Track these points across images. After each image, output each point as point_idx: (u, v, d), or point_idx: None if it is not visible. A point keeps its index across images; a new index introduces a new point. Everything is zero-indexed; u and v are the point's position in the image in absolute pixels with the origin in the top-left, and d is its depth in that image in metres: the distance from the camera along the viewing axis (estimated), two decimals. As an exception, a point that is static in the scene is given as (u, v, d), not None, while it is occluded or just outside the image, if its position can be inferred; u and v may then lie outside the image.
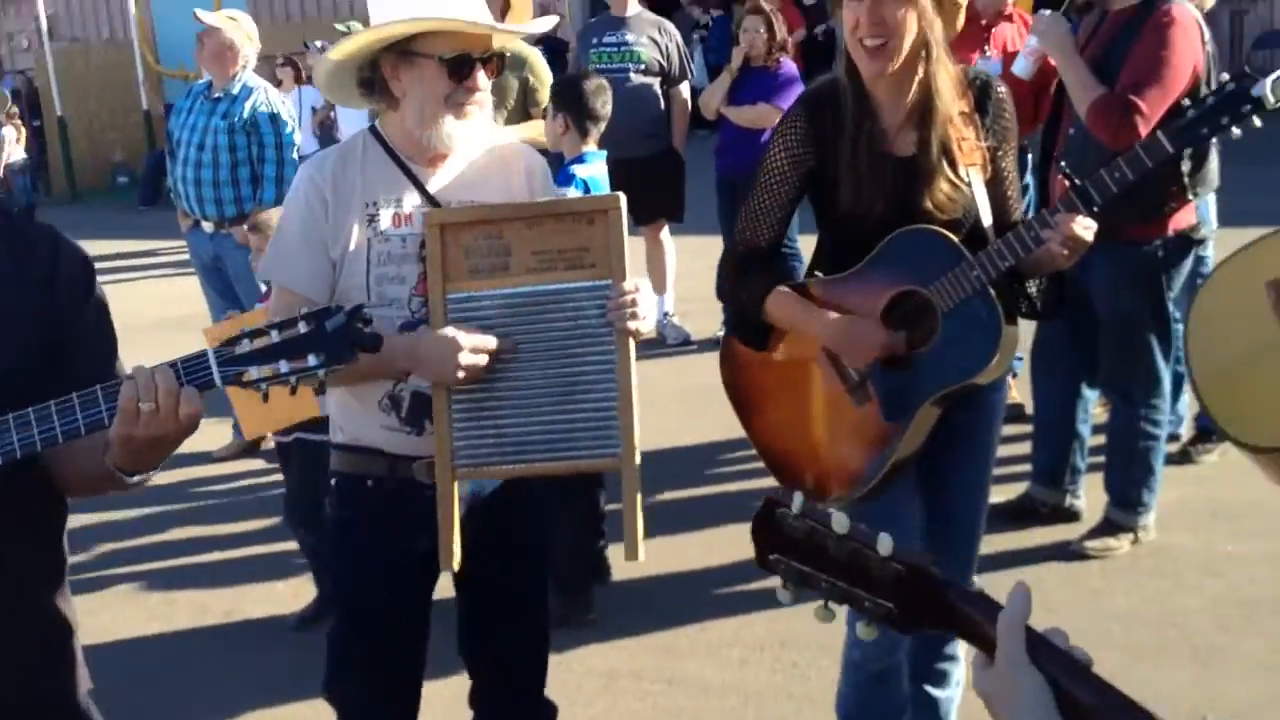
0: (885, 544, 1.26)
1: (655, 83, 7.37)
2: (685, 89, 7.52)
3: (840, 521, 1.28)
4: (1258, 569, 4.32)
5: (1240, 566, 4.36)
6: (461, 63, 2.57)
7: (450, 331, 2.53)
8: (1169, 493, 4.68)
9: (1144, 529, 4.52)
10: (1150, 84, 3.99)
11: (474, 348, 2.51)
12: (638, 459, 2.53)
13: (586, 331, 2.56)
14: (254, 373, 1.82)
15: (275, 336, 1.82)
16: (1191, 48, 4.13)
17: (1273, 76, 2.70)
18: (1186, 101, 2.80)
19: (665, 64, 7.38)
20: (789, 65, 7.14)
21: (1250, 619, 4.03)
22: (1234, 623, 4.02)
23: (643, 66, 7.31)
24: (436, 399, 2.57)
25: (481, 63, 2.60)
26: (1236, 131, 2.74)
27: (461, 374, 2.51)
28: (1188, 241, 4.36)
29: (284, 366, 1.82)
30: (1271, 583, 4.22)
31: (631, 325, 2.53)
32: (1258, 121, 2.73)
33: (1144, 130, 3.86)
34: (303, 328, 1.82)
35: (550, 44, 12.20)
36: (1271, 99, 2.69)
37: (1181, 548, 4.52)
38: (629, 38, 7.32)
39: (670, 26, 7.62)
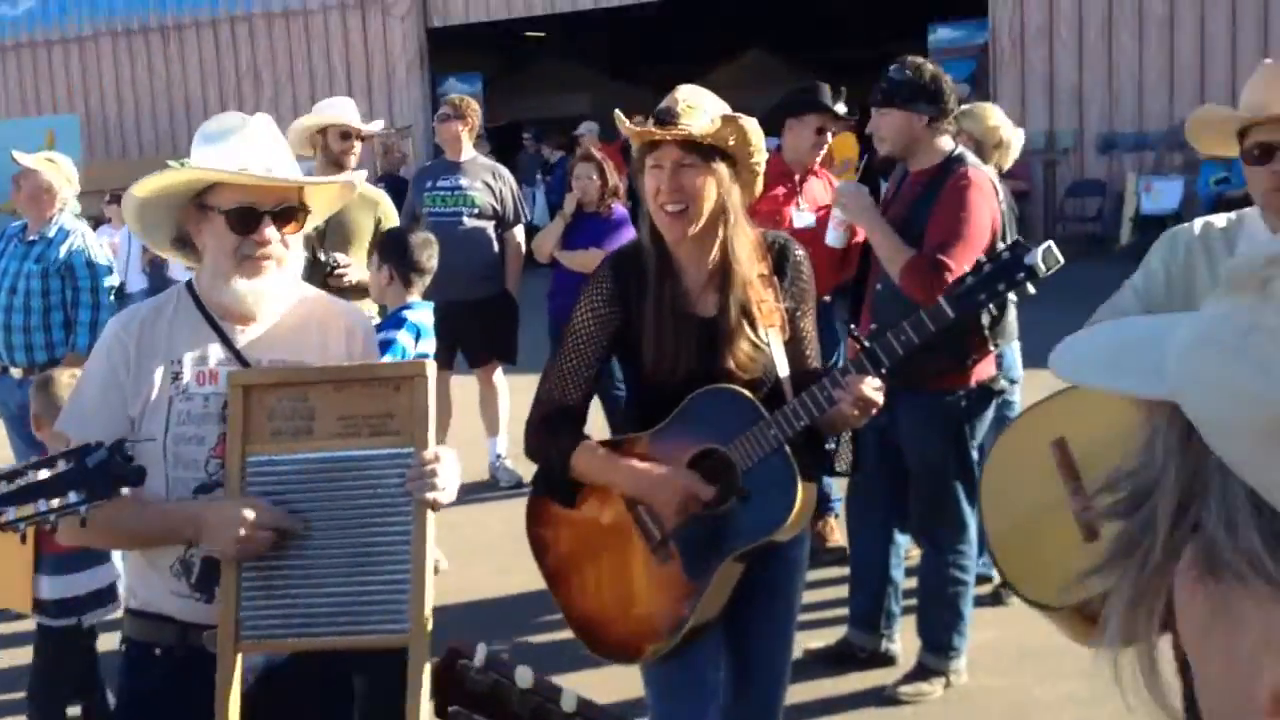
0: (569, 700, 1.27)
1: (489, 226, 7.46)
2: (519, 232, 7.63)
3: (524, 676, 1.28)
4: (1065, 711, 4.43)
5: (1048, 709, 4.47)
6: (244, 215, 2.53)
7: (237, 504, 2.47)
8: (980, 635, 4.79)
9: (955, 673, 4.62)
10: (955, 243, 4.19)
11: (257, 523, 2.44)
12: (428, 634, 2.46)
13: (385, 501, 2.51)
14: (11, 513, 1.77)
15: (33, 475, 1.78)
16: (989, 206, 4.37)
17: (1043, 247, 2.87)
18: (967, 268, 2.96)
19: (500, 208, 7.49)
20: (620, 211, 7.31)
21: (1057, 762, 4.13)
22: (1042, 766, 4.11)
23: (476, 210, 7.40)
24: (226, 566, 2.49)
25: (276, 216, 2.56)
26: (1013, 296, 2.89)
27: (238, 548, 2.44)
28: (989, 392, 4.55)
29: (43, 505, 1.78)
30: (1076, 725, 4.34)
31: (430, 495, 2.48)
32: (1031, 289, 2.89)
33: None
34: (62, 465, 1.79)
35: (392, 183, 12.27)
36: (1043, 267, 2.86)
37: (992, 690, 4.63)
38: (463, 182, 7.42)
39: (504, 171, 7.75)
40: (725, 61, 22.70)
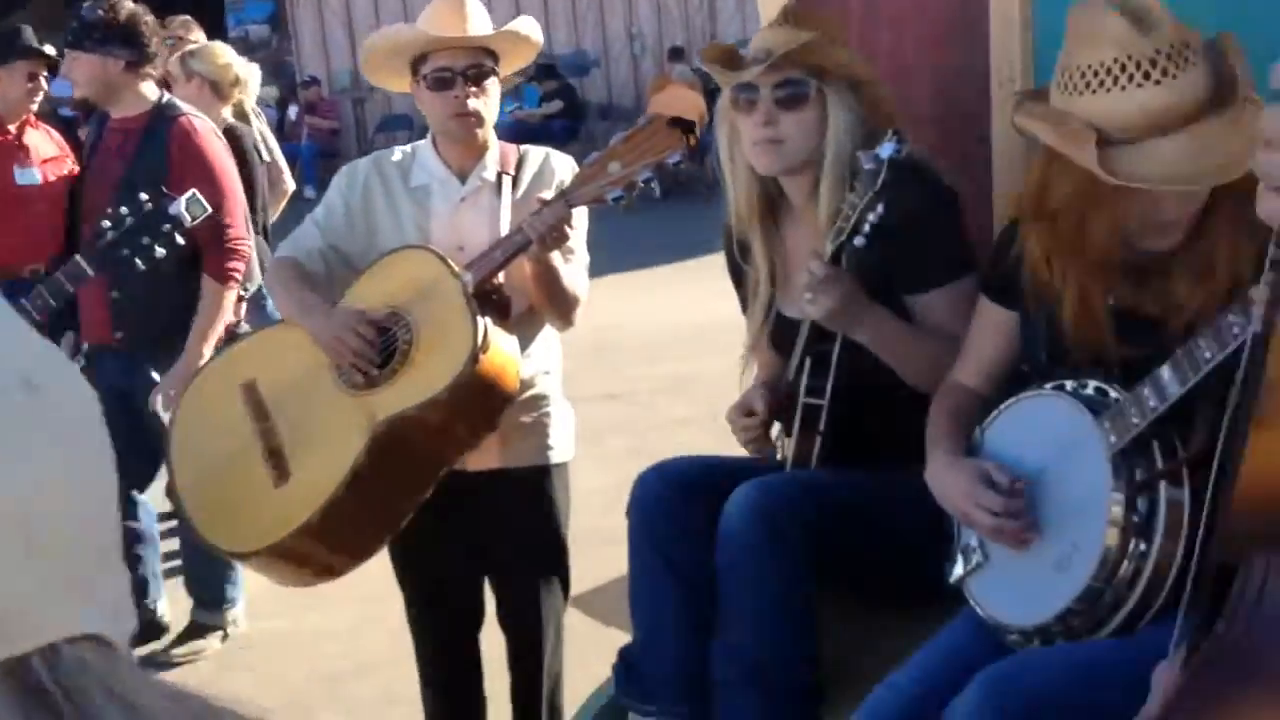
0: None
1: None
2: None
3: None
4: (337, 643, 4.55)
5: (330, 638, 4.56)
6: None
7: None
8: (256, 581, 4.78)
9: (233, 623, 4.58)
10: (221, 203, 3.91)
11: None
12: None
13: None
14: None
15: None
16: (225, 150, 4.30)
17: (186, 196, 2.82)
18: (106, 223, 2.83)
19: None
20: None
21: (333, 693, 4.24)
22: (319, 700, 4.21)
23: None
24: None
25: None
26: (161, 251, 2.82)
27: None
28: (234, 337, 4.49)
29: None
30: (350, 654, 4.47)
31: None
32: (180, 239, 2.84)
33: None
34: None
35: None
36: (188, 217, 2.81)
37: (275, 631, 4.64)
38: None
39: None
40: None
